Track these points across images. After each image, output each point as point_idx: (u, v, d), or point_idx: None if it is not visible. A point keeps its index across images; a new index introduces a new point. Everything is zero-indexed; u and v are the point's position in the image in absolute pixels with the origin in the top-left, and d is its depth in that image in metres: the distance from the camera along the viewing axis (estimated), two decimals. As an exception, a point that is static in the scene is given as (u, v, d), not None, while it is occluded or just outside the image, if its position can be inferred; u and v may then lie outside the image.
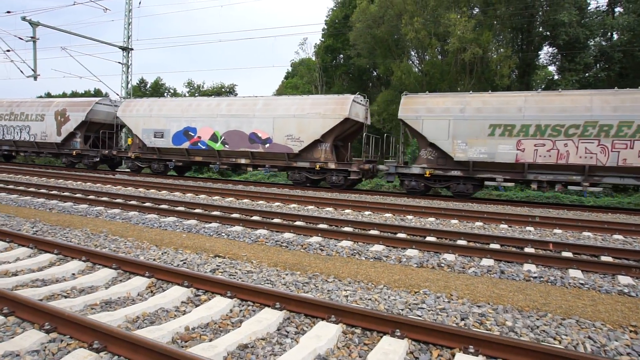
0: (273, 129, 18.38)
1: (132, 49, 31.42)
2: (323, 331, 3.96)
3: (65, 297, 4.78)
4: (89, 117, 23.60)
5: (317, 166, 17.73)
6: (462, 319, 4.40)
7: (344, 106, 17.35)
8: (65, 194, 12.64)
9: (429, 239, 8.26)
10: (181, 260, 6.22)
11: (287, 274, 5.75)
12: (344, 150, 19.22)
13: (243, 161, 19.41)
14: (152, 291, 5.04)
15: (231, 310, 4.52)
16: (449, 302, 4.88)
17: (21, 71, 26.47)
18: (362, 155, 19.03)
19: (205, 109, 20.17)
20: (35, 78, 25.11)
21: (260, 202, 13.10)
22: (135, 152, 22.22)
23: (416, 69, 29.65)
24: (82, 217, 9.54)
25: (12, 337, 3.68)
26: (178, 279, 5.14)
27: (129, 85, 31.91)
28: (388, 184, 20.60)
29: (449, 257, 6.87)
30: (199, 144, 20.12)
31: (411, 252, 7.15)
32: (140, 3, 47.37)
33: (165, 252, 6.65)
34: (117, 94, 30.77)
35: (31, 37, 24.60)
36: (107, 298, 4.72)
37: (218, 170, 20.30)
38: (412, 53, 30.38)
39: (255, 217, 9.94)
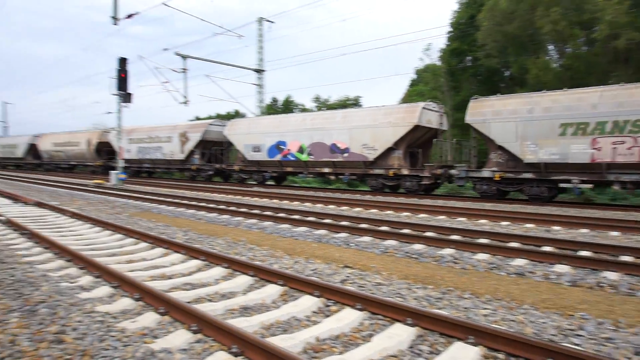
0: (350, 139, 19.93)
1: (264, 70, 33.89)
2: (460, 353, 3.63)
3: (210, 300, 5.18)
4: (204, 137, 27.34)
5: (391, 172, 18.82)
6: (637, 354, 3.67)
7: (414, 114, 18.26)
8: (211, 205, 13.99)
9: (582, 253, 7.22)
10: (312, 270, 6.34)
11: (418, 288, 5.47)
12: (423, 155, 19.69)
13: (326, 170, 21.08)
14: (284, 299, 5.20)
15: (361, 323, 4.41)
16: (615, 330, 4.13)
17: (175, 99, 30.34)
18: (436, 160, 19.69)
19: (292, 124, 22.42)
20: (186, 104, 28.56)
21: (388, 212, 12.91)
22: (239, 165, 25.51)
23: (555, 65, 26.76)
24: (224, 226, 10.42)
25: (166, 335, 4.06)
26: (309, 288, 5.21)
27: (262, 104, 34.41)
28: (463, 188, 21.15)
29: (611, 275, 5.88)
30: (288, 155, 22.38)
31: (561, 267, 6.31)
32: (270, 27, 50.91)
33: (297, 261, 6.86)
34: (253, 113, 33.41)
35: (182, 69, 28.09)
36: (244, 304, 4.99)
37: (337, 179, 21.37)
38: (550, 47, 27.52)
39: (383, 228, 9.79)
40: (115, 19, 19.80)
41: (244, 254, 7.42)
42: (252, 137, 24.21)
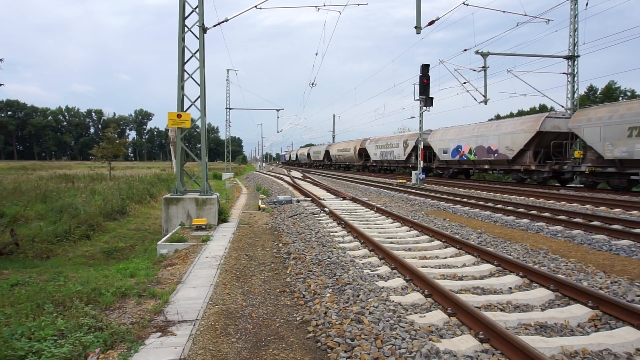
0: (498, 143, 26.02)
1: (578, 56, 29.43)
2: None
3: (501, 310, 4.80)
4: (417, 143, 32.13)
5: (522, 168, 24.41)
6: None
7: (537, 123, 23.26)
8: (509, 208, 13.10)
9: None
10: (637, 295, 5.03)
11: None
12: (557, 154, 23.52)
13: (486, 167, 27.81)
14: (595, 325, 4.30)
15: None
16: None
17: (474, 98, 29.96)
18: (564, 157, 23.25)
19: (466, 132, 29.38)
20: (485, 102, 27.81)
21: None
22: (436, 163, 33.03)
23: None
24: (522, 231, 9.56)
25: (452, 337, 3.98)
26: (633, 318, 4.15)
27: (575, 95, 29.99)
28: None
29: None
30: (463, 156, 28.98)
31: None
32: (587, 4, 43.74)
33: (616, 282, 5.59)
34: (562, 106, 29.54)
35: (482, 67, 27.45)
36: (542, 321, 4.39)
37: None
38: None
39: None
40: (418, 28, 21.12)
41: (544, 264, 6.58)
42: (443, 143, 31.72)
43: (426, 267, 6.69)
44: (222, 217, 11.40)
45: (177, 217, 10.89)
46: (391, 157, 40.65)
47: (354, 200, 16.22)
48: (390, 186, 22.92)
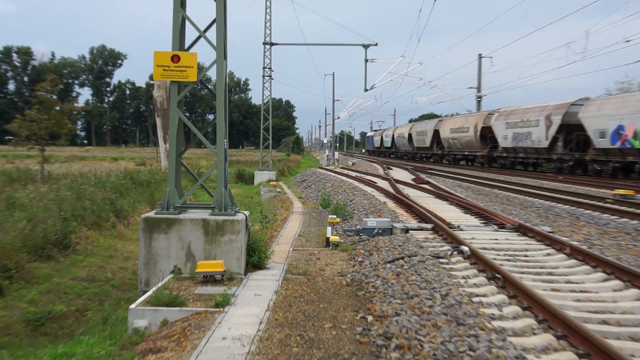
0: None
1: None
2: None
3: None
4: (564, 120, 23.55)
5: None
6: None
7: None
8: None
9: None
10: None
11: None
12: None
13: None
14: None
15: None
16: None
17: None
18: None
19: (632, 104, 19.97)
20: None
21: None
22: (592, 154, 22.11)
23: None
24: None
25: None
26: None
27: None
28: None
29: None
30: (625, 142, 19.87)
31: None
32: None
33: None
34: None
35: None
36: None
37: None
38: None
39: None
40: None
41: None
42: (598, 121, 21.33)
43: None
44: (256, 259, 7.07)
45: (167, 256, 6.81)
46: (527, 142, 26.75)
47: (521, 230, 9.25)
48: (597, 203, 13.23)
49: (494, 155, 31.29)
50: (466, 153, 35.93)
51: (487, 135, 31.95)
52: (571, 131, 23.75)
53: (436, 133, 40.37)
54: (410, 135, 47.85)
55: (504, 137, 28.95)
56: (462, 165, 36.24)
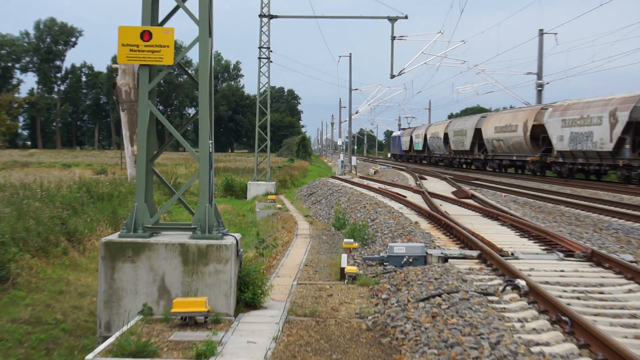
0: None
1: None
2: None
3: None
4: (633, 116, 19.49)
5: None
6: None
7: None
8: None
9: None
10: None
11: None
12: None
13: None
14: None
15: None
16: None
17: None
18: None
19: None
20: None
21: None
22: None
23: None
24: None
25: None
26: None
27: None
28: None
29: None
30: None
31: None
32: None
33: None
34: None
35: None
36: None
37: None
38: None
39: None
40: None
41: None
42: None
43: None
44: (249, 296, 5.75)
45: (134, 291, 5.55)
46: (588, 145, 22.08)
47: (594, 259, 7.72)
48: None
49: (547, 161, 26.40)
50: (514, 158, 30.06)
51: (539, 135, 26.72)
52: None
53: (477, 133, 33.80)
54: (446, 135, 39.62)
55: (560, 137, 23.92)
56: (511, 174, 31.34)
